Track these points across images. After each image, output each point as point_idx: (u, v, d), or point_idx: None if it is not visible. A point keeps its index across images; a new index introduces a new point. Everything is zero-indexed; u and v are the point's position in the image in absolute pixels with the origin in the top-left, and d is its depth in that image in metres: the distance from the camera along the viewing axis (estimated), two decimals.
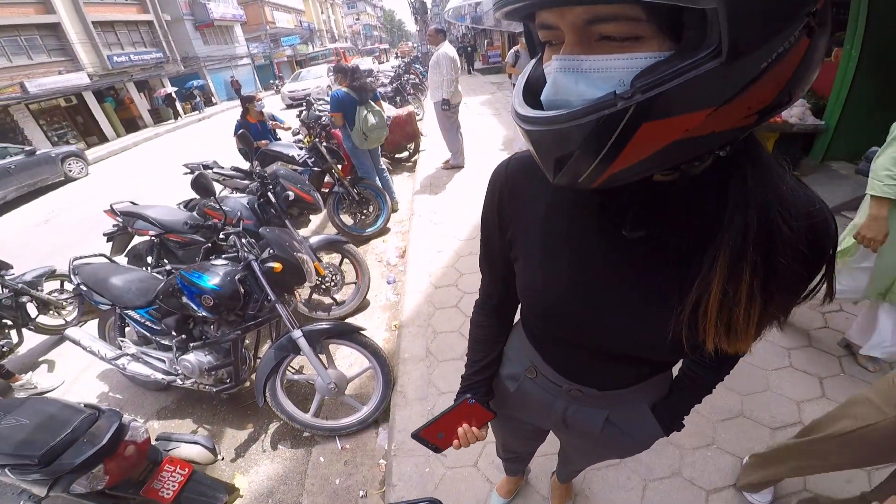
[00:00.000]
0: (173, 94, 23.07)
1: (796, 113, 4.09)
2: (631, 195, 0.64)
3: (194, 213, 3.43)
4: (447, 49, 5.55)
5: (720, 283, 0.59)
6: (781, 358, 2.46)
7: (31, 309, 3.79)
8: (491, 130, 7.96)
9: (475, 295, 3.41)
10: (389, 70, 14.55)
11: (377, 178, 5.03)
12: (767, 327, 0.64)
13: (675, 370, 0.97)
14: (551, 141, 0.53)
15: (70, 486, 1.64)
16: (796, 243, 0.58)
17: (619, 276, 0.70)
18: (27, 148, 11.81)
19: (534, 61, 0.62)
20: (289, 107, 18.14)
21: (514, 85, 4.75)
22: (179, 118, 23.05)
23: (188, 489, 1.95)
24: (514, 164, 0.80)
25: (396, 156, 7.38)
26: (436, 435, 1.02)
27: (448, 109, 5.74)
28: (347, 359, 3.03)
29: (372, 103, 4.69)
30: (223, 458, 2.57)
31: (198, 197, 2.99)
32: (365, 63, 25.30)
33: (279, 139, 5.60)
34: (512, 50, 7.15)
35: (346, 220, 4.79)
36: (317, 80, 19.55)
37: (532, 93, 0.58)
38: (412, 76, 12.70)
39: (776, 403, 2.20)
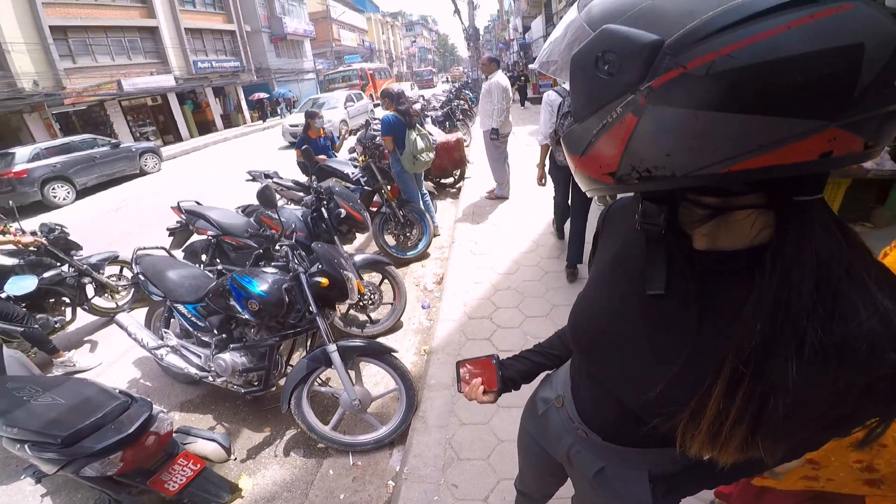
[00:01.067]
0: (265, 101, 26.05)
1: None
2: (663, 254, 0.70)
3: (252, 220, 3.65)
4: (500, 78, 5.55)
5: (717, 401, 0.60)
6: None
7: (89, 290, 4.06)
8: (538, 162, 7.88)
9: (509, 329, 3.42)
10: (440, 94, 14.63)
11: (421, 203, 5.12)
12: (776, 451, 0.62)
13: None
14: None
15: (82, 468, 1.68)
16: (824, 379, 0.55)
17: (642, 325, 0.75)
18: (113, 141, 13.03)
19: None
20: (291, 144, 13.91)
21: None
22: (268, 119, 25.86)
23: (194, 484, 1.98)
24: (616, 205, 0.92)
25: (442, 181, 7.43)
26: (463, 373, 1.15)
27: (497, 139, 5.71)
28: (374, 377, 3.07)
29: (420, 127, 4.86)
30: (235, 458, 2.64)
31: (256, 203, 3.17)
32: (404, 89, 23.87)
33: (335, 155, 5.84)
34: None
35: (389, 240, 4.88)
36: (329, 112, 14.43)
37: None
38: (462, 102, 12.64)
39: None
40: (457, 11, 22.37)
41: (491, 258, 4.48)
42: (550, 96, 3.66)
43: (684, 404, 0.64)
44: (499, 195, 6.23)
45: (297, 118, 14.59)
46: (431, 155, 4.95)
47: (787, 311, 0.54)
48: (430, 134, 5.10)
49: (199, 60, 23.03)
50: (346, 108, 16.02)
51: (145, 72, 20.06)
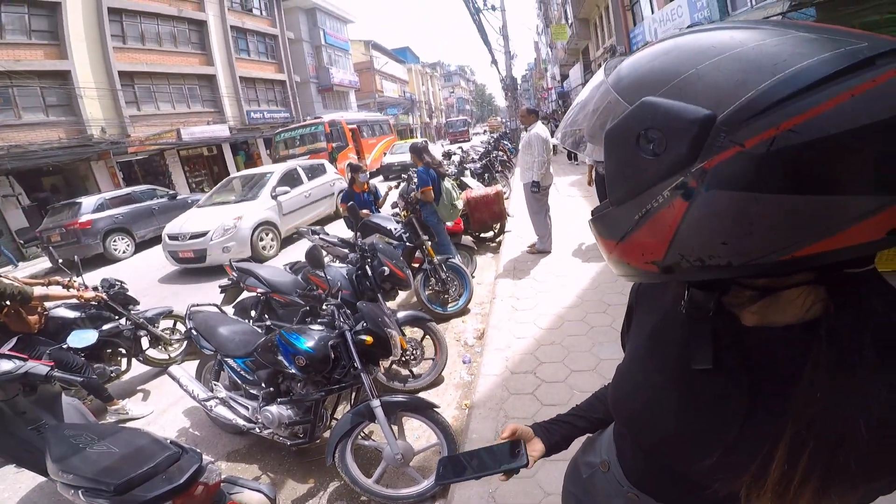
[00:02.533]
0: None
1: None
2: (708, 329, 0.66)
3: (299, 278, 3.80)
4: (540, 130, 5.54)
5: (778, 469, 0.57)
6: None
7: (144, 342, 4.25)
8: (580, 214, 7.71)
9: (554, 384, 3.37)
10: (479, 146, 14.22)
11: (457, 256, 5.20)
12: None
13: None
14: None
15: None
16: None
17: (688, 398, 0.73)
18: (171, 192, 13.45)
19: None
20: (188, 270, 8.13)
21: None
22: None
23: None
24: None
25: (481, 235, 7.34)
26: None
27: (538, 192, 5.65)
28: (416, 431, 3.06)
29: (448, 178, 5.11)
30: None
31: (304, 261, 3.30)
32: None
33: (379, 211, 5.99)
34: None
35: (430, 296, 4.90)
36: (238, 209, 8.27)
37: None
38: (501, 153, 12.43)
39: None
40: (494, 62, 22.92)
41: (533, 313, 4.43)
42: None
43: (745, 468, 0.61)
44: (540, 249, 6.06)
45: (182, 224, 8.18)
46: (461, 203, 5.17)
47: (849, 380, 0.52)
48: (456, 185, 5.38)
49: (252, 110, 24.10)
50: (274, 198, 8.71)
51: (202, 121, 21.01)
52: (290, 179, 9.62)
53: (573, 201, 8.91)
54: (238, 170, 22.42)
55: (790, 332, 0.60)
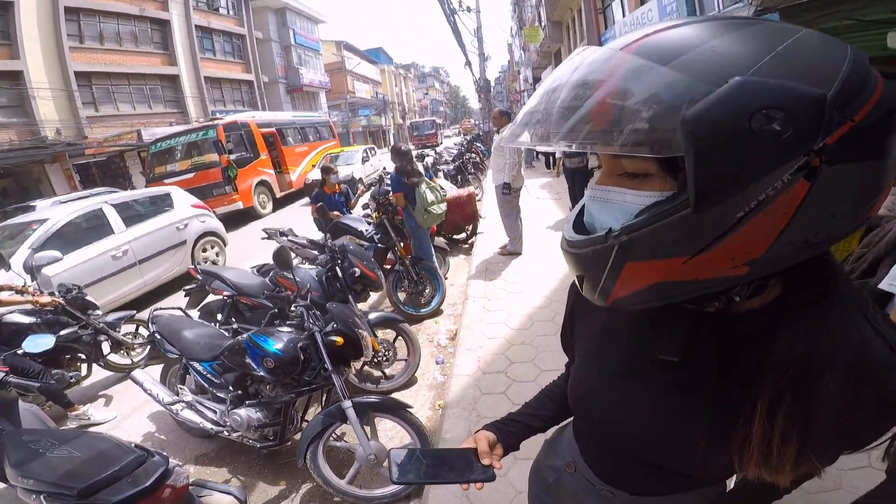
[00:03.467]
0: None
1: (887, 203, 3.18)
2: (677, 320, 0.66)
3: (267, 280, 3.75)
4: None
5: (759, 429, 0.59)
6: (860, 455, 2.19)
7: (105, 347, 4.14)
8: (550, 216, 7.84)
9: (525, 384, 3.40)
10: (452, 147, 14.15)
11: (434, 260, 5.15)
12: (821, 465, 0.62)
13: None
14: (571, 261, 0.63)
15: None
16: (855, 401, 0.56)
17: (655, 392, 0.73)
18: None
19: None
20: None
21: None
22: None
23: None
24: None
25: (454, 237, 7.37)
26: None
27: (509, 193, 5.65)
28: (389, 431, 3.06)
29: (429, 180, 4.98)
30: None
31: (272, 263, 3.27)
32: (347, 163, 14.55)
33: (350, 212, 5.96)
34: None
35: (403, 298, 4.89)
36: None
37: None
38: (473, 155, 12.42)
39: None
40: (468, 63, 22.76)
41: (504, 314, 4.47)
42: None
43: (728, 445, 0.63)
44: (511, 251, 6.09)
45: None
46: (443, 206, 4.99)
47: (828, 339, 0.56)
48: (440, 187, 5.21)
49: (218, 111, 22.98)
50: (31, 272, 3.98)
51: (164, 122, 20.13)
52: (81, 231, 5.73)
53: (542, 203, 9.01)
54: None
55: (762, 315, 0.63)
